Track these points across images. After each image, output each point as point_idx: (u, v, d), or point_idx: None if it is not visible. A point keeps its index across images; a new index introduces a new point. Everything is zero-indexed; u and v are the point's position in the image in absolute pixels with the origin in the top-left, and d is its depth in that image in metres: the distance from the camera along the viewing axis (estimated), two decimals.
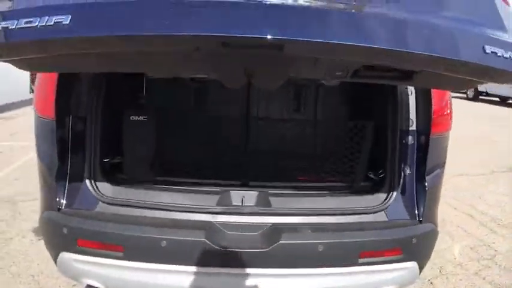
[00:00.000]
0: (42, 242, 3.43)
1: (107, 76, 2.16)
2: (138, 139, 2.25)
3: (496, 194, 5.43)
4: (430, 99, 2.13)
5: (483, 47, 1.26)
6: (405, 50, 1.25)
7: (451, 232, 4.10)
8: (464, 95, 21.57)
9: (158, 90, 3.02)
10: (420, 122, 2.15)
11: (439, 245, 3.72)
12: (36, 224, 3.82)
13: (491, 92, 19.78)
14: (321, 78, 2.50)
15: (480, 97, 20.59)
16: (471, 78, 1.53)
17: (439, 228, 4.03)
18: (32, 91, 4.48)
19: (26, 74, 6.89)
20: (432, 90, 2.13)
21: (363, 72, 1.66)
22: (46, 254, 3.13)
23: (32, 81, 4.30)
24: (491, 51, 1.27)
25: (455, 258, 3.57)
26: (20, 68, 1.73)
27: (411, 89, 2.18)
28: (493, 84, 17.12)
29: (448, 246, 3.78)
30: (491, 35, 1.32)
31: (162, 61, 1.62)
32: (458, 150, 7.77)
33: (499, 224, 4.38)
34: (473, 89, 20.75)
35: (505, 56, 1.29)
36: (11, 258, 3.28)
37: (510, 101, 18.77)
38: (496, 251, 3.75)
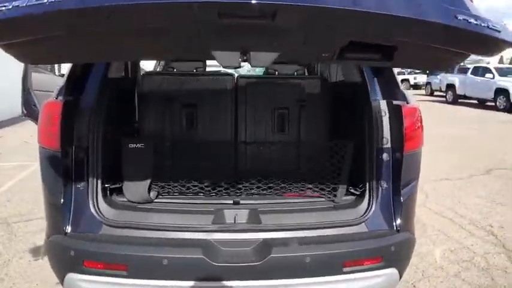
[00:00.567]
0: (40, 262, 3.55)
1: (106, 109, 2.32)
2: (137, 165, 2.38)
3: (474, 197, 5.64)
4: (402, 119, 2.33)
5: (455, 15, 1.46)
6: (393, 14, 1.40)
7: (432, 237, 4.28)
8: (444, 99, 22.13)
9: (153, 119, 3.19)
10: (394, 140, 2.34)
11: (421, 249, 3.94)
12: (32, 245, 3.92)
13: (469, 95, 20.29)
14: (309, 60, 2.59)
15: (459, 100, 21.11)
16: (447, 47, 1.69)
17: (422, 233, 4.26)
18: (23, 115, 4.54)
19: (13, 94, 6.90)
20: (403, 111, 2.35)
21: (348, 53, 1.76)
22: (45, 275, 3.26)
23: (24, 103, 4.36)
24: (463, 18, 1.46)
25: (436, 262, 3.73)
26: (21, 59, 1.79)
27: (385, 110, 2.37)
28: (471, 87, 17.57)
29: (429, 251, 3.95)
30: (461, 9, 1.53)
31: (160, 41, 1.67)
32: (437, 154, 8.06)
33: (477, 227, 4.57)
34: (452, 93, 21.34)
35: (475, 22, 1.47)
36: (10, 279, 3.34)
37: (488, 104, 19.22)
38: (474, 252, 3.92)
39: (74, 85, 2.31)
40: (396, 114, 2.35)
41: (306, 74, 5.12)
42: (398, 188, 2.34)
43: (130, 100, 3.22)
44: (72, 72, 2.38)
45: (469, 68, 20.96)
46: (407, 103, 2.43)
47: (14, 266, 3.56)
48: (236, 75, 3.48)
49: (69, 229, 2.19)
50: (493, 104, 18.38)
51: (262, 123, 3.26)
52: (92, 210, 2.22)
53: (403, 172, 2.33)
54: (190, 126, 3.22)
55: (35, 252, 3.79)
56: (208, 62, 3.79)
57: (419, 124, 2.43)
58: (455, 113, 17.05)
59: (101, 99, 2.31)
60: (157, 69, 6.03)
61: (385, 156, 2.34)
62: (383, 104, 2.39)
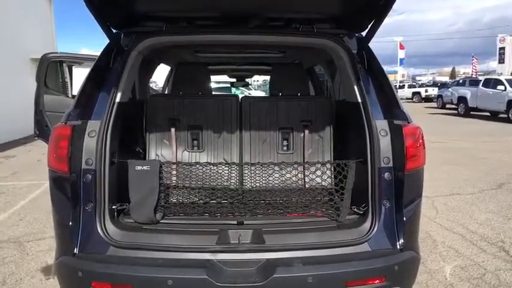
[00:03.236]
0: (51, 281, 3.61)
1: (113, 132, 2.39)
2: (143, 187, 2.44)
3: (486, 212, 5.59)
4: (403, 139, 2.36)
5: None
6: None
7: (442, 253, 4.24)
8: (456, 112, 21.98)
9: (159, 141, 3.26)
10: (396, 159, 2.36)
11: (431, 266, 3.91)
12: (44, 264, 3.99)
13: (481, 107, 20.13)
14: None
15: (471, 113, 20.94)
16: None
17: (432, 249, 4.21)
18: (36, 135, 4.68)
19: (26, 113, 7.06)
20: (404, 130, 2.38)
21: None
22: None
23: (37, 124, 4.50)
24: None
25: (446, 279, 3.69)
26: None
27: (386, 130, 2.40)
28: (483, 100, 17.49)
29: (439, 268, 3.91)
30: None
31: None
32: (448, 168, 7.99)
33: (488, 243, 4.52)
34: (463, 106, 21.21)
35: None
36: None
37: (500, 116, 19.00)
38: (485, 269, 3.88)
39: (82, 110, 2.39)
40: (397, 133, 2.38)
41: (311, 93, 5.18)
42: (401, 206, 2.36)
43: (137, 123, 3.30)
44: (80, 97, 2.46)
45: (480, 80, 20.86)
46: (408, 122, 2.46)
47: (25, 284, 3.60)
48: (240, 96, 3.55)
49: (77, 250, 2.24)
50: (506, 116, 18.19)
51: (266, 143, 3.31)
52: (100, 231, 2.26)
53: (405, 191, 2.35)
54: (196, 148, 3.29)
55: (47, 271, 3.84)
56: (213, 78, 3.85)
57: (420, 143, 2.44)
58: (467, 126, 16.89)
59: (108, 123, 2.38)
60: (165, 92, 6.16)
61: (387, 175, 2.36)
62: (384, 124, 2.42)
